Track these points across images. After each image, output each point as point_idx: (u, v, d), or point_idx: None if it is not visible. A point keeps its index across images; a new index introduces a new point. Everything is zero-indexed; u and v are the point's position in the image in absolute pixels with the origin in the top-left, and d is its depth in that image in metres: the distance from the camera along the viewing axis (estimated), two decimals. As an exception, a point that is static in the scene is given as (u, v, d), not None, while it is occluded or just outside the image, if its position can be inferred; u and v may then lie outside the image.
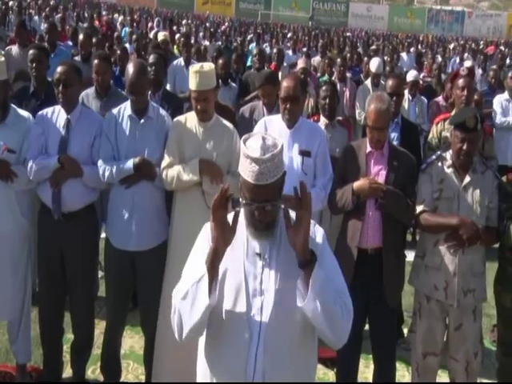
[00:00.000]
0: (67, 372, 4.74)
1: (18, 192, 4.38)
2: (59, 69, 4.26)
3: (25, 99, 5.11)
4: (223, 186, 2.46)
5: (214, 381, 2.58)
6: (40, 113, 4.39)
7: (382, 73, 9.36)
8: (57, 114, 4.34)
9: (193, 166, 4.17)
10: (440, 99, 7.89)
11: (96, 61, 5.61)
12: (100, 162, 4.26)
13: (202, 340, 2.64)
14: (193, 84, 4.15)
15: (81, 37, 8.44)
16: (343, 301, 2.50)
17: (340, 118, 6.00)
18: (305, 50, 15.73)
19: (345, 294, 2.56)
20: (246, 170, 2.44)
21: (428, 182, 4.16)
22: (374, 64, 9.07)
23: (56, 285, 4.43)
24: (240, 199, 2.51)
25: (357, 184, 4.08)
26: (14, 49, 8.22)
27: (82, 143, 4.30)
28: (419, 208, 4.13)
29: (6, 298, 4.41)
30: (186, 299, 2.45)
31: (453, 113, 5.24)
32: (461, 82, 5.49)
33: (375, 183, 4.07)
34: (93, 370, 4.83)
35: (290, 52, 14.17)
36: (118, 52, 8.52)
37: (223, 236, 2.43)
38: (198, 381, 2.71)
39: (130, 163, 4.21)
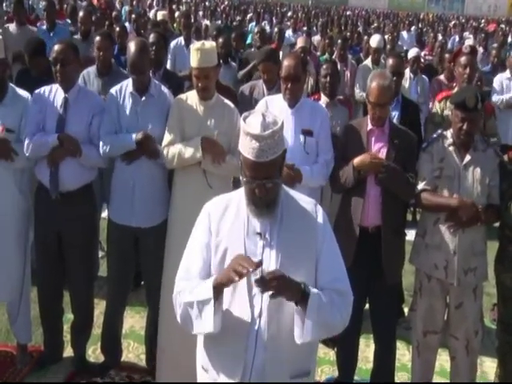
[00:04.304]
0: (68, 352, 4.76)
1: (16, 170, 4.36)
2: (56, 47, 4.21)
3: (25, 82, 5.05)
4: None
5: (214, 361, 2.59)
6: (37, 91, 4.35)
7: (382, 49, 9.28)
8: (54, 93, 4.30)
9: (195, 144, 4.14)
10: (442, 77, 7.84)
11: (98, 37, 5.59)
12: (101, 136, 4.25)
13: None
14: (194, 61, 4.11)
15: (81, 13, 8.37)
16: (339, 295, 2.52)
17: (341, 96, 5.96)
18: (305, 29, 15.60)
19: (343, 278, 2.58)
20: (247, 148, 2.42)
21: (429, 161, 4.14)
22: (375, 39, 9.00)
23: (54, 265, 4.42)
24: (240, 177, 2.50)
25: (357, 159, 4.07)
26: (12, 27, 8.17)
27: (79, 122, 4.26)
28: (420, 186, 4.12)
29: (5, 278, 4.41)
30: (192, 311, 2.48)
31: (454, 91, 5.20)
32: (463, 59, 5.43)
33: (376, 158, 4.06)
34: (93, 350, 4.84)
35: (289, 31, 14.05)
36: (118, 29, 8.44)
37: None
38: (197, 363, 2.72)
39: (132, 137, 4.19)
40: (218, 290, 2.44)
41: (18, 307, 4.55)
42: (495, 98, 8.11)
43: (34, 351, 4.76)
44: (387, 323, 4.31)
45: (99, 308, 4.87)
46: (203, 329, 2.48)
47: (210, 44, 4.21)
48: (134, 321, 5.27)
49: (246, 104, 5.16)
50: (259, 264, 2.38)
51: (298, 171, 4.13)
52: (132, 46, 4.24)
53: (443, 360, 4.73)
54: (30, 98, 4.40)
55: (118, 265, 4.46)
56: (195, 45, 4.18)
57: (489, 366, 4.94)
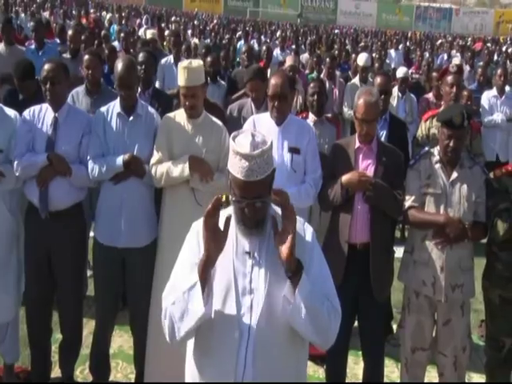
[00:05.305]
0: (55, 372, 4.71)
1: (5, 191, 4.33)
2: (46, 66, 4.22)
3: (13, 103, 5.05)
4: (217, 196, 2.43)
5: (203, 381, 2.56)
6: (27, 110, 4.35)
7: (369, 68, 9.34)
8: (44, 112, 4.30)
9: (182, 163, 4.16)
10: (430, 96, 7.91)
11: (86, 56, 5.62)
12: (89, 160, 4.25)
13: (191, 340, 2.62)
14: (181, 80, 4.15)
15: (70, 32, 8.39)
16: (331, 304, 2.50)
17: (329, 114, 6.00)
18: (293, 47, 15.69)
19: (333, 295, 2.56)
20: (236, 167, 2.42)
21: (416, 178, 4.18)
22: (362, 58, 9.05)
23: (43, 284, 4.39)
24: (230, 196, 2.51)
25: (346, 177, 4.10)
26: (0, 46, 8.17)
27: (69, 142, 4.26)
28: (407, 203, 4.15)
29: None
30: (179, 306, 2.44)
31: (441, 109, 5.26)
32: (450, 78, 5.53)
33: (364, 176, 4.09)
34: (81, 370, 4.80)
35: (278, 50, 14.10)
36: (106, 52, 8.46)
37: (215, 243, 2.42)
38: (186, 381, 2.69)
39: (119, 160, 4.19)
40: (203, 274, 2.41)
41: (6, 327, 4.51)
42: (486, 118, 8.16)
43: (20, 372, 4.71)
44: (376, 340, 4.31)
45: (88, 328, 4.84)
46: (194, 316, 2.40)
47: (197, 62, 4.24)
48: (122, 340, 5.24)
49: (235, 123, 5.17)
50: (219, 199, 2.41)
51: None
52: (119, 63, 4.27)
53: (432, 377, 4.72)
54: (18, 116, 4.39)
55: (104, 285, 4.43)
56: (182, 63, 4.22)
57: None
